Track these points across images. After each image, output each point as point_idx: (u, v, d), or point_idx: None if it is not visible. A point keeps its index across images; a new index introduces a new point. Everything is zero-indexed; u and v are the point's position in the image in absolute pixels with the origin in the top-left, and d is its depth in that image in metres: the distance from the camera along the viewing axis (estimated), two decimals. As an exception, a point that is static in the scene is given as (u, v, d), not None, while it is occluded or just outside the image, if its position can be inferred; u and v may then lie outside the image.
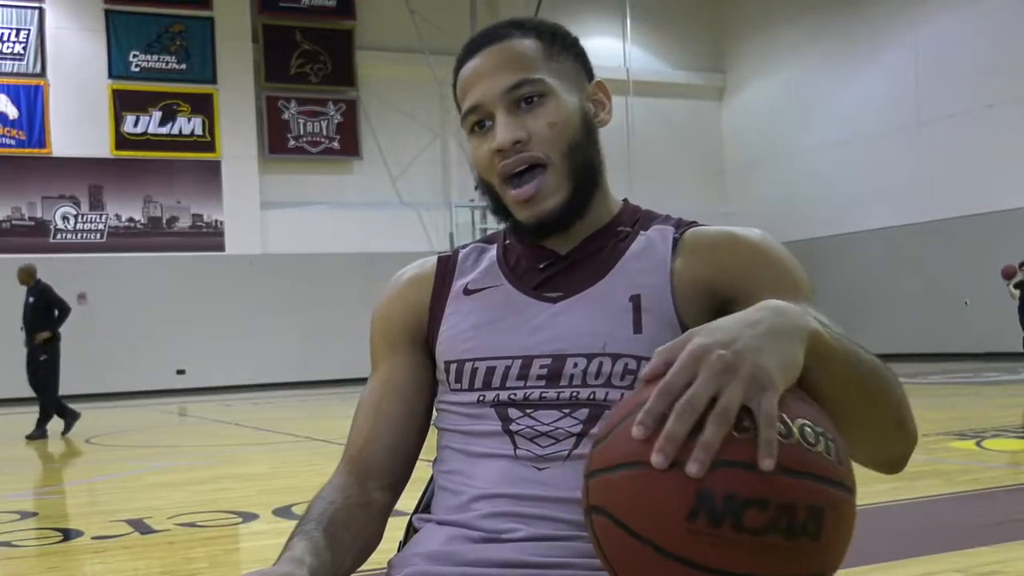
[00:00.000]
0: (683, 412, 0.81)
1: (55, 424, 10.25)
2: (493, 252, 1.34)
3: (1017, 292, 13.87)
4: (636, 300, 1.19)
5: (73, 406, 10.50)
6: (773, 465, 0.80)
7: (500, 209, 1.26)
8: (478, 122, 1.24)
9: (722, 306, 1.16)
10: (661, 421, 0.82)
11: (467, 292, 1.30)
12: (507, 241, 1.34)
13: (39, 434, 9.99)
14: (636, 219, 1.29)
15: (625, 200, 1.34)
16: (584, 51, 1.31)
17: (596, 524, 0.88)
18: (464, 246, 1.39)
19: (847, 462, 0.88)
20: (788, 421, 0.83)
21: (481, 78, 1.23)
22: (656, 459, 0.81)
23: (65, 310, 10.33)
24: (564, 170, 1.21)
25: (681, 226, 1.28)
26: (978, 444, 6.53)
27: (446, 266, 1.35)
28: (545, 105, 1.21)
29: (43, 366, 10.17)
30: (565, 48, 1.27)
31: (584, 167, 1.24)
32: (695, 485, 0.81)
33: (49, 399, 10.22)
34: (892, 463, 1.08)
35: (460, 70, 1.27)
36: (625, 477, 0.85)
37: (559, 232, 1.24)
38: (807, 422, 0.85)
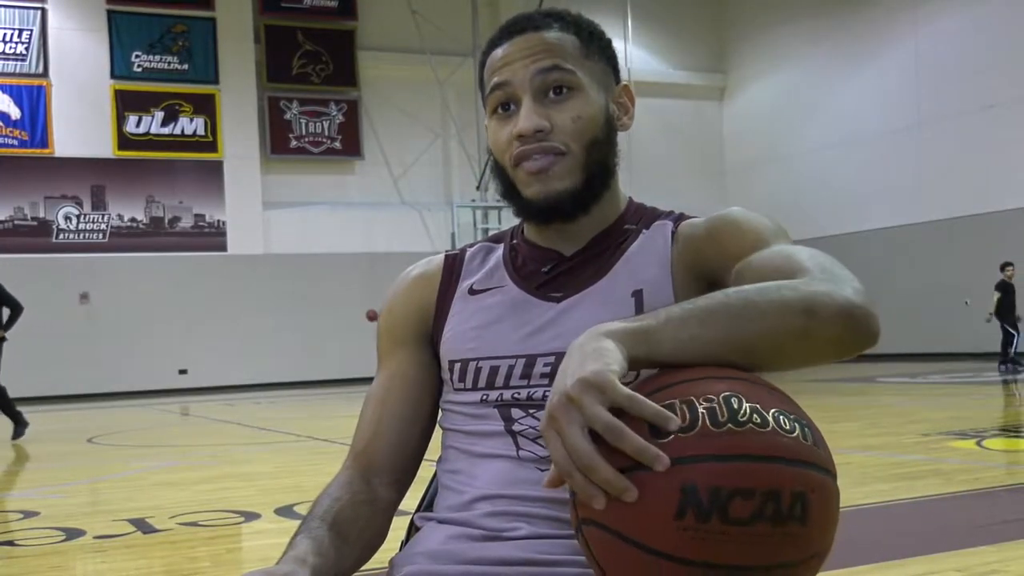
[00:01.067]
0: (598, 475, 0.84)
1: (5, 428, 9.97)
2: (500, 252, 1.34)
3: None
4: (638, 295, 1.20)
5: (75, 405, 10.36)
6: (677, 425, 0.84)
7: (509, 192, 1.26)
8: (503, 103, 1.24)
9: (712, 288, 1.15)
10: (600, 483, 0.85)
11: (472, 292, 1.31)
12: (514, 240, 1.34)
13: (20, 431, 9.80)
14: (641, 217, 1.31)
15: (630, 198, 1.34)
16: (616, 54, 1.31)
17: (588, 536, 0.90)
18: (471, 244, 1.39)
19: (824, 446, 0.90)
20: (763, 411, 0.86)
21: (513, 59, 1.23)
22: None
23: (18, 309, 9.86)
24: (581, 161, 1.22)
25: (680, 220, 1.29)
26: (978, 444, 6.52)
27: (453, 265, 1.36)
28: (573, 99, 1.22)
29: None
30: (601, 49, 1.28)
31: (600, 165, 1.24)
32: (678, 481, 0.83)
33: (3, 399, 9.87)
34: (854, 346, 0.99)
35: (492, 51, 1.26)
36: None
37: (563, 220, 1.24)
38: (780, 410, 0.88)
